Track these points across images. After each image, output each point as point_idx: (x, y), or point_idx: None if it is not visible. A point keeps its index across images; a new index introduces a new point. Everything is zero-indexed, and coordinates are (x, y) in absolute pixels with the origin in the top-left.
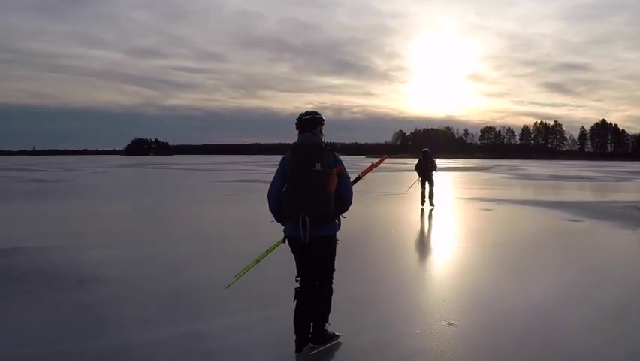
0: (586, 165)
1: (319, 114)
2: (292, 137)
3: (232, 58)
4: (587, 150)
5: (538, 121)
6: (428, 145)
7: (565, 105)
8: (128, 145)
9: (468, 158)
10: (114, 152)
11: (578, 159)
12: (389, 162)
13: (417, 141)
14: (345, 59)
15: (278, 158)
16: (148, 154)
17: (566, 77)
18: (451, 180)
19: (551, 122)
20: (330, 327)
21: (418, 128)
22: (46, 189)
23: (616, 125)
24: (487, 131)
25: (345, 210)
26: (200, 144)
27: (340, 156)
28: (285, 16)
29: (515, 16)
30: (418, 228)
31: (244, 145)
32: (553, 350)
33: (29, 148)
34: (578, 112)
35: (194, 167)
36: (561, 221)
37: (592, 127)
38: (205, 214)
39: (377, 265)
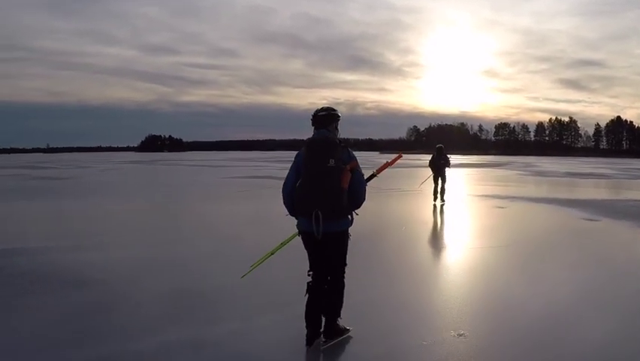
0: (601, 162)
1: (334, 110)
2: (306, 132)
3: (245, 54)
4: (601, 146)
5: (553, 117)
6: (442, 141)
7: (580, 102)
8: (142, 142)
9: (482, 154)
10: (128, 148)
11: (592, 156)
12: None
13: (431, 136)
14: (358, 55)
15: (292, 154)
16: (162, 150)
17: (581, 73)
18: (465, 177)
19: (566, 119)
20: (342, 321)
21: (432, 124)
22: (52, 187)
23: (631, 122)
24: (502, 127)
25: (358, 207)
26: (214, 140)
27: (354, 152)
28: (298, 11)
29: (530, 11)
30: (429, 227)
31: (258, 141)
32: None
33: (43, 145)
34: (593, 108)
35: (206, 163)
36: (576, 220)
37: (607, 124)
38: (214, 212)
39: (384, 267)
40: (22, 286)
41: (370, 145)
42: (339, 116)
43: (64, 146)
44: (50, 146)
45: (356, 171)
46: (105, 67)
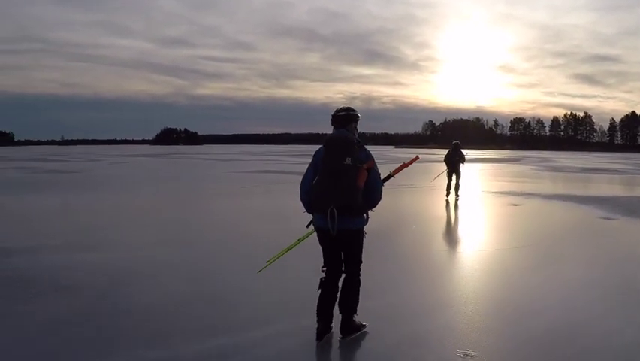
0: (616, 157)
1: (354, 111)
2: (322, 127)
3: (262, 47)
4: (616, 142)
5: (568, 112)
6: (458, 136)
7: (595, 97)
8: (157, 135)
9: (497, 149)
10: (143, 142)
11: (607, 151)
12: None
13: (446, 131)
14: (374, 49)
15: (307, 148)
16: (177, 144)
17: (596, 68)
18: (480, 172)
19: (581, 114)
20: (358, 317)
21: (448, 118)
22: (57, 180)
23: None
24: (517, 122)
25: (374, 206)
26: (230, 133)
27: (369, 146)
28: (315, 5)
29: (546, 5)
30: (440, 226)
31: (274, 135)
32: None
33: (58, 138)
34: (608, 104)
35: (220, 157)
36: (594, 219)
37: (622, 119)
38: (218, 208)
39: (390, 273)
40: (4, 291)
41: (386, 139)
42: (358, 116)
43: (79, 138)
44: (65, 138)
45: (372, 170)
46: (121, 59)
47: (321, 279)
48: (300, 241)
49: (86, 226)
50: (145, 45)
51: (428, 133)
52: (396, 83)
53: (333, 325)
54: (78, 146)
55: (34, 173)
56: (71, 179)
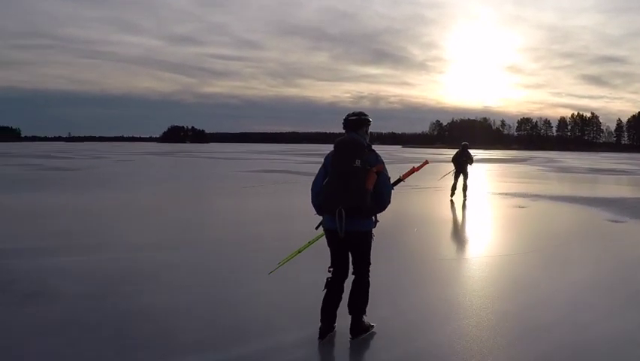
0: (623, 157)
1: (365, 115)
2: (329, 126)
3: (270, 46)
4: (623, 142)
5: (575, 113)
6: (465, 136)
7: (602, 97)
8: (164, 132)
9: (504, 149)
10: (150, 139)
11: (614, 151)
12: (426, 153)
13: (454, 131)
14: (382, 49)
15: (313, 147)
16: (184, 142)
17: (603, 69)
18: (486, 173)
19: (588, 115)
20: (367, 318)
21: (455, 118)
22: (58, 178)
23: None
24: (524, 122)
25: (382, 210)
26: (237, 132)
27: (376, 146)
28: (323, 4)
29: (555, 7)
30: (445, 230)
31: (281, 134)
32: None
33: (65, 134)
34: (614, 104)
35: (225, 155)
36: (602, 222)
37: (628, 119)
38: (217, 209)
39: (387, 283)
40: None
41: (393, 139)
42: (369, 121)
43: (86, 135)
44: (72, 135)
45: (382, 174)
46: (129, 56)
47: (327, 279)
48: (310, 243)
49: (82, 226)
50: (153, 42)
51: (435, 133)
52: (404, 83)
53: (336, 324)
54: (85, 143)
55: (35, 170)
56: (73, 177)
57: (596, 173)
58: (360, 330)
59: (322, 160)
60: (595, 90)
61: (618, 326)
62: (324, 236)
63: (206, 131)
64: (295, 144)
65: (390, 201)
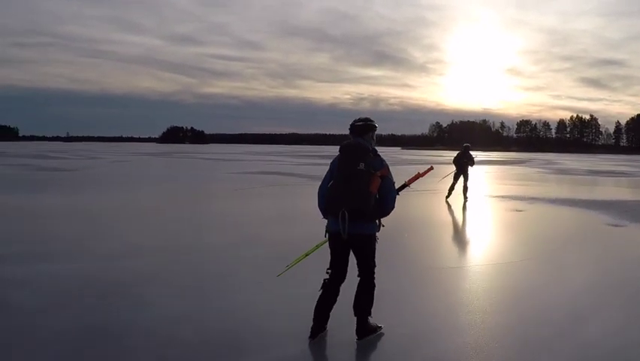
0: (622, 159)
1: (371, 121)
2: (329, 127)
3: (271, 47)
4: (622, 144)
5: (575, 115)
6: (465, 138)
7: (601, 100)
8: (163, 133)
9: (504, 151)
10: (149, 139)
11: (613, 153)
12: (427, 155)
13: (453, 133)
14: (383, 51)
15: (312, 148)
16: (183, 142)
17: (602, 72)
18: (485, 175)
19: (587, 117)
20: (372, 319)
21: (455, 120)
22: (52, 179)
23: None
24: (524, 124)
25: (386, 214)
26: (237, 133)
27: (376, 147)
28: (324, 6)
29: (556, 10)
30: (440, 236)
31: (281, 135)
32: None
33: (63, 134)
34: (613, 107)
35: (222, 157)
36: (602, 226)
37: (627, 122)
38: (207, 213)
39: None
40: None
41: (393, 140)
42: (375, 127)
43: (85, 135)
44: (70, 135)
45: (386, 178)
46: (130, 55)
47: (324, 280)
48: (317, 246)
49: (68, 230)
50: (154, 42)
51: (435, 135)
52: (404, 85)
53: (327, 325)
54: (83, 143)
55: (27, 170)
56: (66, 178)
57: (595, 175)
58: (367, 331)
59: (318, 162)
60: (594, 93)
61: (623, 344)
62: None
63: (206, 131)
64: (295, 145)
65: (394, 206)
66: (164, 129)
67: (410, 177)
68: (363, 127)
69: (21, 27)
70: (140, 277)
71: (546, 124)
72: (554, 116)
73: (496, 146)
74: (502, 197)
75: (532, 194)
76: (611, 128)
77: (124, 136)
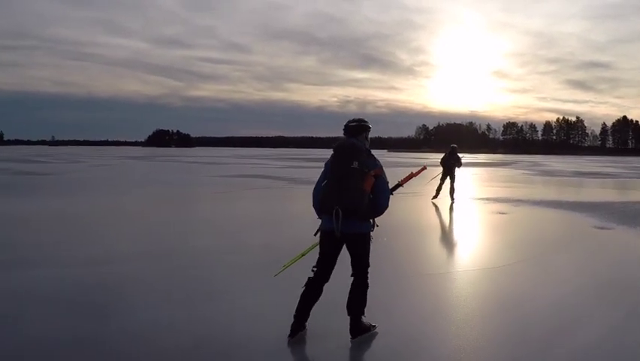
0: (608, 160)
1: (365, 122)
2: (316, 130)
3: (258, 50)
4: (608, 145)
5: (561, 117)
6: (451, 140)
7: (587, 102)
8: (149, 136)
9: (490, 153)
10: (135, 143)
11: (599, 155)
12: (413, 157)
13: (440, 135)
14: (370, 54)
15: (298, 151)
16: (169, 146)
17: (588, 74)
18: (471, 177)
19: (573, 119)
20: (366, 318)
21: (441, 123)
22: (24, 183)
23: (637, 121)
24: (510, 126)
25: (379, 214)
26: (223, 136)
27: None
28: (312, 8)
29: (543, 13)
30: (424, 239)
31: (267, 138)
32: None
33: (49, 138)
34: (599, 109)
35: (206, 160)
36: (587, 229)
37: (613, 123)
38: (179, 218)
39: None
40: None
41: (380, 143)
42: (369, 127)
43: (71, 139)
44: (56, 138)
45: (380, 177)
46: (116, 58)
47: (308, 278)
48: (313, 246)
49: (44, 236)
50: (140, 45)
51: (421, 137)
52: (391, 88)
53: (307, 323)
54: (68, 146)
55: (3, 175)
56: (40, 182)
57: (582, 176)
58: (360, 330)
59: (303, 165)
60: (580, 95)
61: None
62: (315, 236)
63: (193, 135)
64: (281, 149)
65: (388, 205)
66: (151, 133)
67: (404, 177)
68: (357, 127)
69: (6, 30)
70: (125, 282)
71: (532, 126)
72: (540, 118)
73: (482, 148)
74: (488, 199)
75: (518, 196)
76: (597, 130)
77: (110, 140)
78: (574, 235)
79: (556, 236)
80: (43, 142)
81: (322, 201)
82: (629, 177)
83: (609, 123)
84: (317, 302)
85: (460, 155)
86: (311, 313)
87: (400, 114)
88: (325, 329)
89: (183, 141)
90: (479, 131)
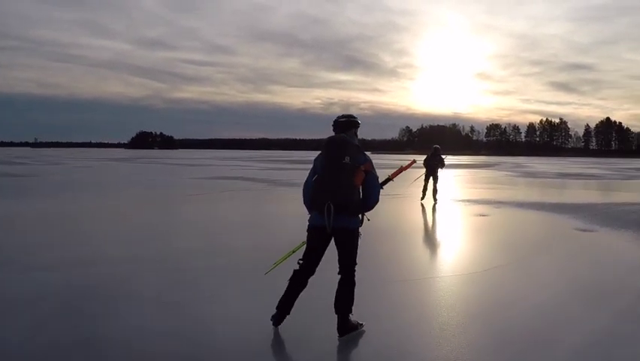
0: (591, 162)
1: (354, 118)
2: (300, 132)
3: (241, 51)
4: (591, 147)
5: (544, 119)
6: (435, 142)
7: (570, 104)
8: (132, 138)
9: (474, 155)
10: (118, 145)
11: (582, 156)
12: (396, 159)
13: (423, 137)
14: (353, 55)
15: (282, 153)
16: (152, 148)
17: (571, 76)
18: (453, 178)
19: (557, 120)
20: (353, 317)
21: (425, 124)
22: (2, 185)
23: (620, 123)
24: (493, 128)
25: (370, 208)
26: (206, 138)
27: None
28: (295, 10)
29: (526, 15)
30: (406, 243)
31: (251, 140)
32: None
33: (32, 140)
34: (583, 110)
35: (187, 162)
36: (569, 231)
37: (596, 125)
38: (138, 221)
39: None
40: None
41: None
42: (358, 123)
43: (54, 141)
44: (39, 140)
45: (370, 172)
46: (99, 60)
47: (294, 270)
48: (303, 243)
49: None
50: (124, 46)
51: (405, 139)
52: (375, 90)
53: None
54: (51, 148)
55: None
56: (15, 184)
57: (565, 178)
58: (348, 328)
59: (285, 167)
60: (563, 97)
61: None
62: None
63: (176, 137)
64: (264, 150)
65: (378, 200)
66: (134, 134)
67: (393, 171)
68: (346, 123)
69: None
70: (109, 286)
71: (516, 128)
72: (524, 120)
73: (466, 150)
74: (471, 201)
75: (499, 197)
76: (581, 132)
77: (93, 142)
78: (556, 237)
79: (538, 238)
80: (26, 144)
81: (313, 196)
82: (613, 179)
83: (592, 125)
84: (307, 307)
85: (442, 156)
86: (301, 317)
87: (384, 116)
88: (313, 330)
89: (166, 142)
90: (463, 133)
